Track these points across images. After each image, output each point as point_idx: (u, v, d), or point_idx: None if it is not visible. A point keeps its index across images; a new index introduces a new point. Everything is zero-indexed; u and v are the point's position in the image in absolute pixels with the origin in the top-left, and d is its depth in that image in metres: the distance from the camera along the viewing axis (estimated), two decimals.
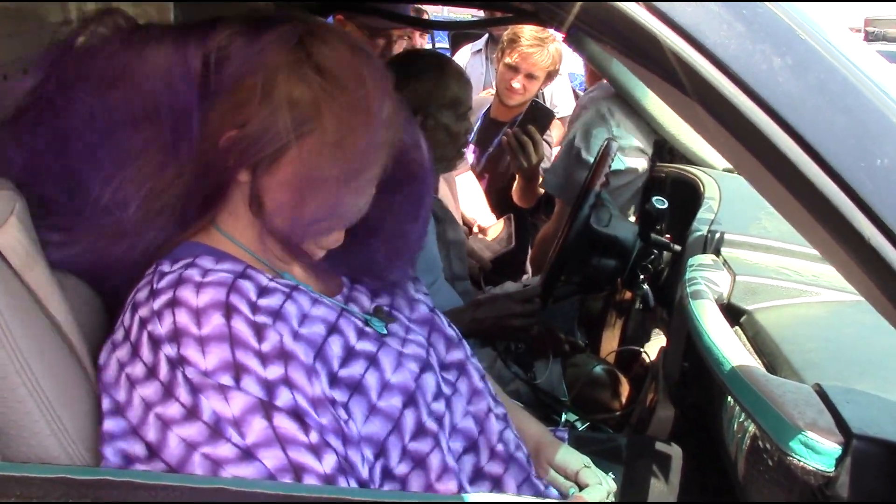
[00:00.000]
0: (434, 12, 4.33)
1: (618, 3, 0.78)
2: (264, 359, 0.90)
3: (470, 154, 3.28)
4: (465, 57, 4.52)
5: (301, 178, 0.96)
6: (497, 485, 1.13)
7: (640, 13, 0.77)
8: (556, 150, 3.57)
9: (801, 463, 0.89)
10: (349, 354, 1.00)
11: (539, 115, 2.71)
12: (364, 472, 0.94)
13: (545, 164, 2.99)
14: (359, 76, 0.96)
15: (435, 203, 2.35)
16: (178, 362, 0.87)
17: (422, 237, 1.22)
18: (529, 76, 3.11)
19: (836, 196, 0.76)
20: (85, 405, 0.93)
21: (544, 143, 2.89)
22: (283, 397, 0.89)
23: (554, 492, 1.25)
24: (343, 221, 1.03)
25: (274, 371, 0.90)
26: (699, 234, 1.79)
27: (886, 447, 0.86)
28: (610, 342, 2.60)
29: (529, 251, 3.37)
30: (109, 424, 0.90)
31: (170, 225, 0.99)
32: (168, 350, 0.88)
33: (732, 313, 1.44)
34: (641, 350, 2.26)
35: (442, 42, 5.84)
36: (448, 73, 2.12)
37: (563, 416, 1.99)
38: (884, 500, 0.86)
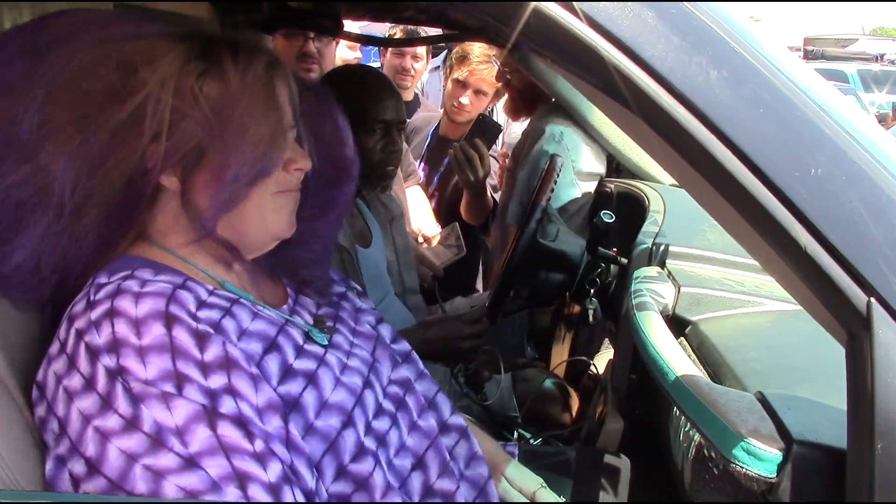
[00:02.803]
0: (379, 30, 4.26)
1: (559, 18, 0.79)
2: (206, 368, 0.89)
3: (420, 172, 3.29)
4: (423, 74, 4.53)
5: (223, 166, 0.97)
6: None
7: (580, 27, 0.78)
8: None
9: (745, 470, 0.91)
10: (286, 373, 0.99)
11: (486, 129, 2.71)
12: (310, 483, 0.93)
13: (492, 180, 3.00)
14: (250, 68, 0.99)
15: (390, 200, 2.34)
16: (117, 373, 0.86)
17: (334, 236, 1.26)
18: (478, 92, 3.12)
19: (772, 205, 0.77)
20: (17, 428, 0.90)
21: (491, 157, 2.90)
22: (227, 405, 0.88)
23: None
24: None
25: (217, 380, 0.89)
26: (644, 246, 1.81)
27: (826, 452, 0.88)
28: (560, 355, 2.61)
29: (481, 268, 3.38)
30: (55, 449, 0.88)
31: (103, 235, 0.98)
32: (107, 361, 0.86)
33: (677, 324, 1.45)
34: (590, 362, 2.27)
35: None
36: (352, 81, 2.05)
37: (515, 433, 2.00)
38: (823, 503, 0.88)
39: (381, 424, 1.07)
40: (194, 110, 0.95)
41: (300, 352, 1.03)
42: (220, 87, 0.97)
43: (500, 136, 2.93)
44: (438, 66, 4.44)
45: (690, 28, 0.79)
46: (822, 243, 0.77)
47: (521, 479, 1.32)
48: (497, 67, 2.98)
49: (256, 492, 0.86)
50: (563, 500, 1.33)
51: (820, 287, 0.79)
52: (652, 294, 1.47)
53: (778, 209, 0.77)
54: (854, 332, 0.78)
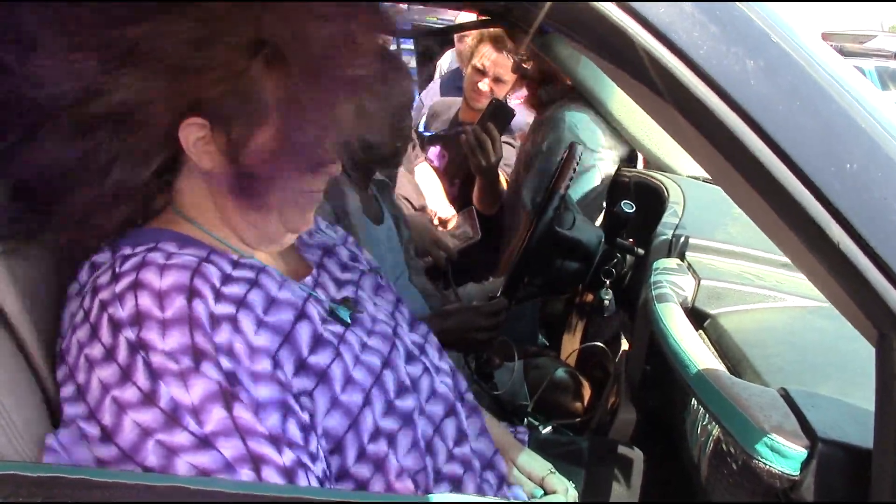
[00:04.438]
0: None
1: (591, 1, 0.77)
2: (225, 349, 0.89)
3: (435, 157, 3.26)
4: (450, 59, 4.49)
5: (282, 138, 0.94)
6: (457, 486, 1.12)
7: (613, 12, 0.77)
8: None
9: (767, 466, 0.90)
10: (317, 342, 0.99)
11: (500, 114, 2.68)
12: (323, 463, 0.94)
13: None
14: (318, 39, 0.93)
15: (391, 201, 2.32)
16: (138, 346, 0.86)
17: None
18: (497, 79, 3.08)
19: (806, 200, 0.76)
20: (33, 398, 0.91)
21: (506, 144, 2.87)
22: (244, 386, 0.88)
23: (520, 494, 1.27)
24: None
25: (235, 360, 0.89)
26: (664, 237, 1.80)
27: (850, 451, 0.87)
28: (571, 344, 2.59)
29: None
30: (70, 409, 0.89)
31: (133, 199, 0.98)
32: (128, 333, 0.86)
33: (696, 317, 1.44)
34: (605, 347, 2.26)
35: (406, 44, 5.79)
36: None
37: (526, 421, 1.99)
38: (847, 502, 0.87)
39: (405, 403, 1.07)
40: (245, 94, 0.92)
41: (326, 323, 1.03)
42: (276, 74, 0.93)
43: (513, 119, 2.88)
44: None
45: (729, 17, 0.77)
46: (856, 240, 0.75)
47: (530, 464, 1.32)
48: (512, 59, 2.91)
49: (270, 474, 0.86)
50: (572, 485, 1.32)
51: (851, 284, 0.78)
52: (672, 286, 1.46)
53: (811, 204, 0.76)
54: (885, 330, 0.77)
